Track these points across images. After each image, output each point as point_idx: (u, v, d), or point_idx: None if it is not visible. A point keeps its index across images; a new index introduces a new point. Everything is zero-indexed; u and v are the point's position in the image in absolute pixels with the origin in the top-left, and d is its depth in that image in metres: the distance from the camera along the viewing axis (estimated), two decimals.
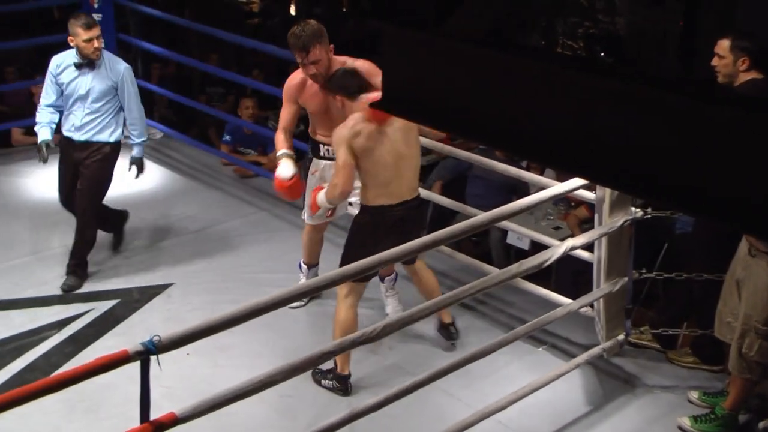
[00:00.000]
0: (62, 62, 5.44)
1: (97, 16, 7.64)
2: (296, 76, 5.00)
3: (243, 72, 9.09)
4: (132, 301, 5.44)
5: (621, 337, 4.78)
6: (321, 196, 4.60)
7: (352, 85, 4.47)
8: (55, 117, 5.53)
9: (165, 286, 5.59)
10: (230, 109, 8.73)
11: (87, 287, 5.56)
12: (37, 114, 5.50)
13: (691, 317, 5.08)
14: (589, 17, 12.36)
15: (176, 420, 2.91)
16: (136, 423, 2.89)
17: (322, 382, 4.61)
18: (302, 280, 5.29)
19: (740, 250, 4.34)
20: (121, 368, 2.80)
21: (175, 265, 5.86)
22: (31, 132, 7.70)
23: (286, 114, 5.06)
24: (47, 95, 5.48)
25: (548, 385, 4.33)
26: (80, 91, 5.40)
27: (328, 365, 4.52)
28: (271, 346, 4.88)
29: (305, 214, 5.25)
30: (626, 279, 4.65)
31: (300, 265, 5.47)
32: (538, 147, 1.91)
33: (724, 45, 4.50)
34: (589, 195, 4.74)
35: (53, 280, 5.56)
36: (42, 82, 7.59)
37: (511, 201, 4.01)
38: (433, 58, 2.02)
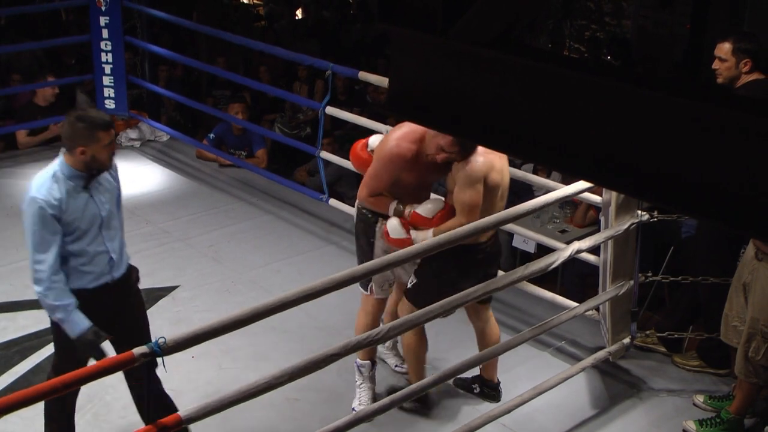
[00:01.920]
0: (55, 194, 3.62)
1: (104, 19, 7.69)
2: (409, 148, 4.14)
3: (250, 75, 9.12)
4: None
5: (627, 340, 4.77)
6: (426, 235, 4.05)
7: (473, 147, 4.00)
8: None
9: (171, 288, 5.60)
10: None
11: None
12: (48, 292, 3.61)
13: (697, 321, 5.07)
14: (597, 20, 12.36)
15: (180, 422, 2.91)
16: (139, 425, 2.90)
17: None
18: (361, 383, 4.53)
19: (747, 253, 4.33)
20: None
21: (181, 268, 5.86)
22: (35, 133, 7.75)
23: (383, 184, 4.21)
24: (48, 254, 3.61)
25: (554, 388, 4.32)
26: (103, 213, 3.76)
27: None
28: (277, 349, 4.88)
29: (373, 289, 4.42)
30: (632, 282, 4.64)
31: (358, 366, 4.53)
32: (545, 150, 1.90)
33: (725, 48, 4.50)
34: (595, 198, 4.74)
35: None
36: (47, 84, 7.62)
37: (514, 204, 4.00)
38: (440, 60, 2.02)
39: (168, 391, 3.85)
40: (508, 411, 4.14)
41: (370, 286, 4.40)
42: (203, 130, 8.83)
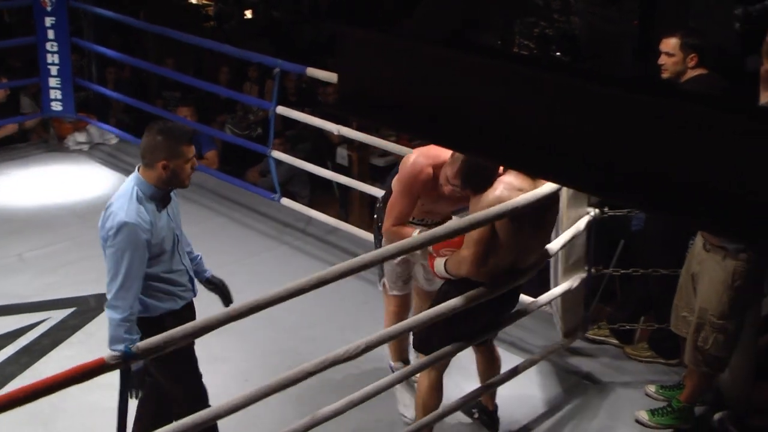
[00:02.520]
0: (144, 216, 3.45)
1: (50, 20, 7.57)
2: (424, 171, 3.98)
3: (201, 76, 9.05)
4: (88, 309, 5.36)
5: (579, 333, 4.82)
6: (438, 266, 3.87)
7: (480, 182, 3.72)
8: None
9: None
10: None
11: (41, 296, 5.47)
12: (125, 324, 3.38)
13: (649, 312, 5.14)
14: (545, 17, 12.46)
15: None
16: None
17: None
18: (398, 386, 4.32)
19: (695, 245, 4.40)
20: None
21: None
22: None
23: (406, 209, 4.05)
24: (136, 282, 3.42)
25: (508, 382, 4.35)
26: (177, 231, 3.66)
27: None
28: (234, 350, 4.85)
29: (388, 286, 4.38)
30: (584, 276, 4.70)
31: (390, 367, 4.56)
32: (497, 148, 1.92)
33: (672, 43, 4.58)
34: None
35: (7, 290, 5.47)
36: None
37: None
38: (389, 58, 2.03)
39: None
40: (464, 404, 4.15)
41: (382, 282, 4.36)
42: None
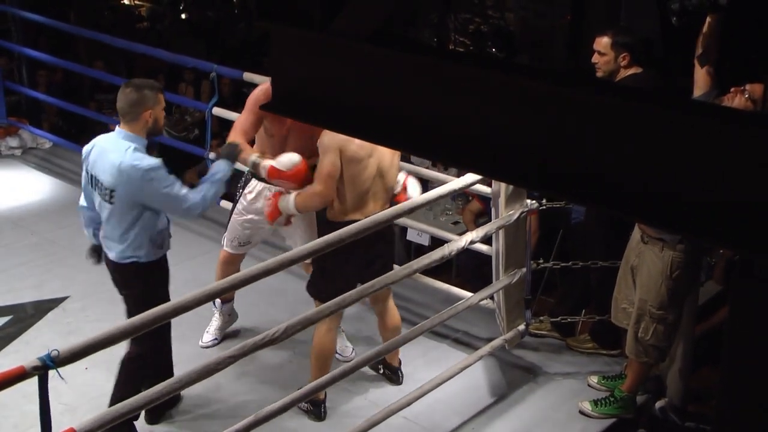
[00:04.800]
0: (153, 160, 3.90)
1: None
2: (265, 89, 4.42)
3: (132, 78, 8.91)
4: (26, 317, 5.25)
5: (522, 327, 4.85)
6: (288, 203, 4.22)
7: None
8: None
9: (60, 300, 5.43)
10: None
11: None
12: (204, 202, 4.02)
13: (589, 304, 5.20)
14: (480, 13, 12.52)
15: None
16: None
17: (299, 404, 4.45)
18: (216, 319, 5.03)
19: (633, 237, 4.46)
20: (16, 387, 2.70)
21: (70, 278, 5.68)
22: None
23: (246, 122, 4.42)
24: (184, 188, 3.99)
25: (452, 378, 4.37)
26: None
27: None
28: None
29: (224, 241, 4.83)
30: (524, 270, 4.73)
31: (214, 302, 4.97)
32: (431, 143, 1.91)
33: (603, 42, 4.62)
34: (485, 189, 4.81)
35: None
36: None
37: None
38: (321, 57, 2.01)
39: (61, 405, 3.75)
40: (409, 404, 4.16)
41: (223, 237, 4.81)
42: (88, 136, 8.60)
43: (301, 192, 4.21)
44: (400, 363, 4.73)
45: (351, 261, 4.19)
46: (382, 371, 4.74)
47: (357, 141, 4.08)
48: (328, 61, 2.00)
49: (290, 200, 4.22)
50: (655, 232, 4.24)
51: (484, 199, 6.29)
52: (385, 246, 4.39)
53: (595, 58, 4.65)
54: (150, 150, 3.92)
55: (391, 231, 4.55)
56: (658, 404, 4.59)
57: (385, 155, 4.24)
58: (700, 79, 4.11)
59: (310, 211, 4.44)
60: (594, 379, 4.76)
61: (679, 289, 4.29)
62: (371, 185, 4.23)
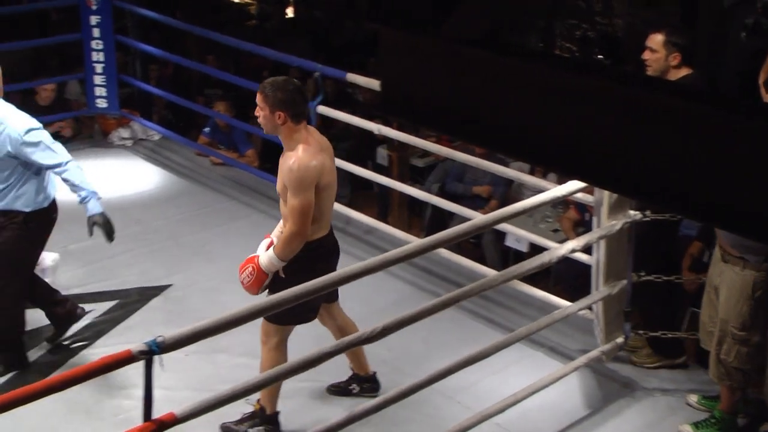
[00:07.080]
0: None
1: (95, 18, 7.66)
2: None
3: (240, 74, 9.09)
4: (131, 302, 5.42)
5: (620, 339, 4.76)
6: (270, 259, 3.98)
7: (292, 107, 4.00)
8: None
9: (164, 288, 5.59)
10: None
11: (85, 288, 5.53)
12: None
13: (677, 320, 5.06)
14: (587, 19, 12.36)
15: (176, 420, 2.92)
16: (132, 424, 2.89)
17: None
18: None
19: (714, 256, 4.33)
20: (119, 370, 2.80)
21: (174, 267, 5.84)
22: None
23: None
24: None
25: (547, 387, 4.32)
26: None
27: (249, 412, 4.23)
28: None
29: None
30: (625, 282, 4.64)
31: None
32: (537, 150, 1.90)
33: (657, 39, 4.50)
34: (587, 198, 4.75)
35: (52, 281, 5.53)
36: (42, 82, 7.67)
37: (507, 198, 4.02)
38: (429, 59, 2.02)
39: (161, 390, 3.84)
40: (502, 410, 4.13)
41: None
42: (195, 129, 8.82)
43: (277, 243, 4.00)
44: (374, 372, 4.57)
45: (314, 275, 3.66)
46: (357, 390, 4.54)
47: (327, 167, 3.98)
48: (435, 64, 2.00)
49: (270, 255, 3.97)
50: (736, 251, 4.10)
51: (581, 209, 6.22)
52: (336, 259, 4.26)
53: (646, 55, 4.54)
54: None
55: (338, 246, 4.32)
56: (763, 429, 4.44)
57: (334, 172, 4.14)
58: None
59: (294, 254, 4.01)
60: (693, 398, 4.64)
61: (763, 309, 4.14)
62: (330, 205, 4.15)
